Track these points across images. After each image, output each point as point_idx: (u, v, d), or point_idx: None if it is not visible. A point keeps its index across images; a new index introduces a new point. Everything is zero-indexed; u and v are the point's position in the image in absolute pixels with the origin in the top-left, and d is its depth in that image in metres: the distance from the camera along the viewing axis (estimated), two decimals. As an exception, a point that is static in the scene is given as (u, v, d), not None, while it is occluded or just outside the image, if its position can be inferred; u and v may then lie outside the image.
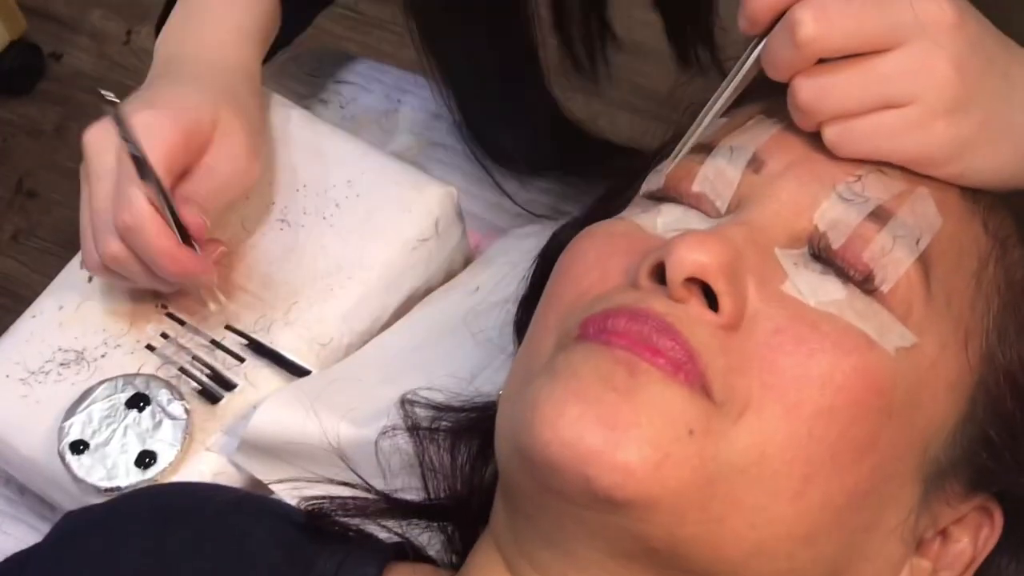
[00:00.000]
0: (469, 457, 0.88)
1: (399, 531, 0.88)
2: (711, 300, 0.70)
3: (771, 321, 0.70)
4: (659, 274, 0.71)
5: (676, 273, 0.69)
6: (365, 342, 1.01)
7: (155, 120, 0.95)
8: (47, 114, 2.11)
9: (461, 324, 1.00)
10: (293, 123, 1.09)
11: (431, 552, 0.89)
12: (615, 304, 0.71)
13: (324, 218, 1.04)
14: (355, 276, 1.01)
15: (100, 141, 0.96)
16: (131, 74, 2.18)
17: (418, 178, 1.05)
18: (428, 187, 1.04)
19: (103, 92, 0.90)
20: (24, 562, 0.86)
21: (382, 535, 0.87)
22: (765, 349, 0.69)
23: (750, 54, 0.75)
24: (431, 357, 0.99)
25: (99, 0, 2.29)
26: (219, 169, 0.99)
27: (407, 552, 0.86)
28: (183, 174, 0.97)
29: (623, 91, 1.15)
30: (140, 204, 0.93)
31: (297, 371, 0.99)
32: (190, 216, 0.95)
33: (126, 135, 0.90)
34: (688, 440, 0.67)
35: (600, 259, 0.76)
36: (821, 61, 0.72)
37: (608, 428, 0.66)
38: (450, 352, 0.99)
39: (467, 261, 1.08)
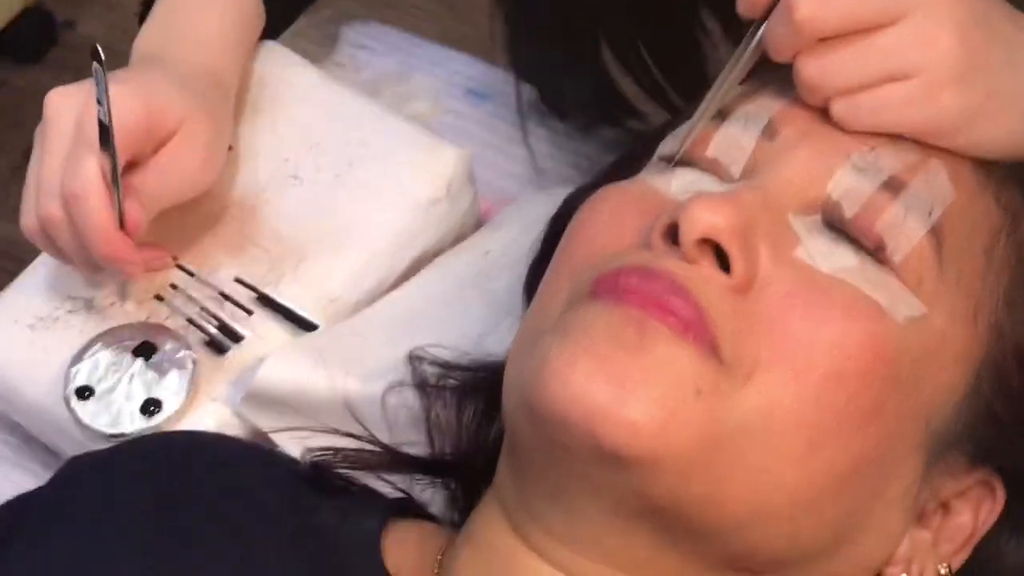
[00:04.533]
0: (475, 415, 0.88)
1: (402, 487, 0.88)
2: (723, 263, 0.70)
3: (782, 285, 0.70)
4: (672, 235, 0.71)
5: (689, 234, 0.70)
6: (373, 300, 1.02)
7: (126, 94, 0.94)
8: (58, 82, 2.10)
9: (470, 285, 1.01)
10: (310, 82, 1.09)
11: (433, 510, 0.89)
12: (627, 263, 0.71)
13: (337, 176, 1.04)
14: (366, 234, 1.02)
15: (64, 103, 0.96)
16: (143, 44, 2.17)
17: (432, 141, 1.06)
18: (441, 150, 1.05)
19: (98, 48, 0.90)
20: (26, 503, 0.86)
21: (385, 490, 0.88)
22: (775, 312, 0.69)
23: (752, 36, 0.75)
24: (440, 317, 0.99)
25: (114, -30, 2.30)
26: (170, 170, 0.97)
27: (409, 509, 0.87)
28: (133, 163, 0.95)
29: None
30: (91, 174, 0.92)
31: (305, 325, 0.99)
32: (132, 209, 0.94)
33: (102, 97, 0.90)
34: (695, 400, 0.67)
35: (614, 219, 0.76)
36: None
37: (617, 386, 0.67)
38: (459, 313, 1.00)
39: (478, 226, 1.09)
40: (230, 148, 1.04)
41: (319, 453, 0.86)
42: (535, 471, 0.74)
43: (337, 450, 0.86)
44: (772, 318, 0.69)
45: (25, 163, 0.97)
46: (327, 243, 1.01)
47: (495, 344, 0.94)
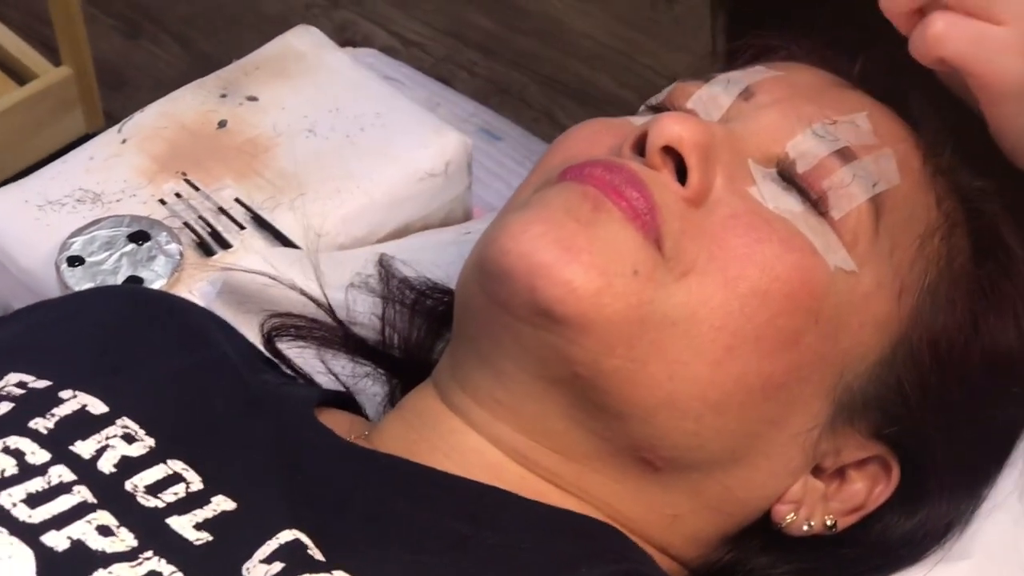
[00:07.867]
0: (427, 325, 0.93)
1: (344, 381, 0.93)
2: (682, 179, 0.76)
3: (730, 208, 0.77)
4: (641, 147, 0.78)
5: (655, 140, 0.77)
6: (356, 247, 1.08)
7: None
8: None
9: (452, 247, 1.06)
10: (341, 61, 1.19)
11: (369, 411, 0.93)
12: (595, 158, 0.78)
13: (348, 136, 1.12)
14: (363, 187, 1.09)
15: None
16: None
17: (439, 123, 1.14)
18: (447, 132, 1.13)
19: None
20: None
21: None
22: (719, 228, 0.76)
23: None
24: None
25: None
26: None
27: (346, 404, 0.91)
28: None
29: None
30: None
31: (291, 248, 1.05)
32: None
33: None
34: (631, 278, 0.73)
35: (589, 137, 0.83)
36: None
37: (562, 249, 0.73)
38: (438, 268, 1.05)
39: (466, 217, 1.16)
40: (255, 99, 1.13)
41: (276, 319, 0.91)
42: (471, 335, 0.79)
43: (295, 315, 0.92)
44: (715, 232, 0.76)
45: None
46: (327, 187, 1.09)
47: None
